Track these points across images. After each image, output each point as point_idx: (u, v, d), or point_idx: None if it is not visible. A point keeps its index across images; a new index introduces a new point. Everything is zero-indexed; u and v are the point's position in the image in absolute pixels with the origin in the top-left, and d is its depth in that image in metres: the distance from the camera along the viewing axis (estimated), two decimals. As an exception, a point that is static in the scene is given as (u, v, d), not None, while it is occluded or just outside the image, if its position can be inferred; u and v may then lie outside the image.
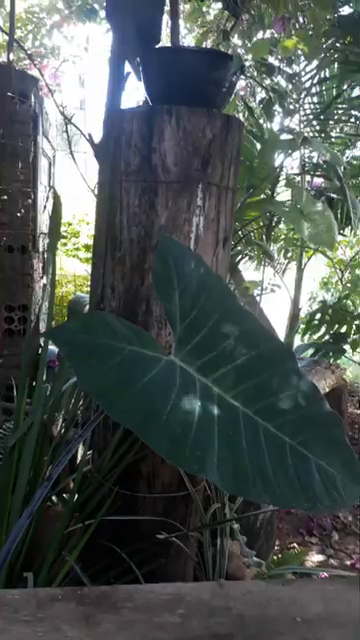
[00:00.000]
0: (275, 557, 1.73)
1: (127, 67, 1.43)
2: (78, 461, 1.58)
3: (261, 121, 3.08)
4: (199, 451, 0.68)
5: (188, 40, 3.62)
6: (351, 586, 0.83)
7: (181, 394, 0.70)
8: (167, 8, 1.48)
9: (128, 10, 1.26)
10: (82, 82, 5.92)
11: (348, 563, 2.18)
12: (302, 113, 3.53)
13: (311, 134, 3.61)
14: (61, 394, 1.38)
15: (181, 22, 3.49)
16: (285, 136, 1.94)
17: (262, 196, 1.87)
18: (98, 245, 1.55)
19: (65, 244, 6.10)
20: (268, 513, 2.00)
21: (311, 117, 3.44)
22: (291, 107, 3.44)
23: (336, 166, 2.30)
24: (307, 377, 0.86)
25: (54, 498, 1.51)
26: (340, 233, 3.66)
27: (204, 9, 3.19)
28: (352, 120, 3.54)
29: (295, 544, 2.31)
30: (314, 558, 2.22)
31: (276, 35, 2.67)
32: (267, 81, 3.26)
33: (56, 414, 1.48)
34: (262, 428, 0.77)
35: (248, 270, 4.41)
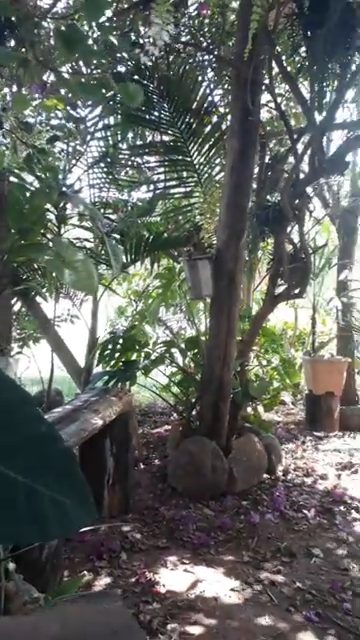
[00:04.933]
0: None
1: None
2: None
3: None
4: None
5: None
6: (90, 604, 0.94)
7: None
8: None
9: None
10: None
11: (133, 580, 2.32)
12: (89, 155, 3.75)
13: (99, 174, 3.85)
14: None
15: None
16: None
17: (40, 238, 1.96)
18: None
19: None
20: (53, 547, 2.04)
21: (97, 159, 3.67)
22: (78, 148, 3.63)
23: (97, 219, 2.51)
24: (46, 420, 0.96)
25: None
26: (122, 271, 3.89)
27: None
28: (135, 165, 3.87)
29: (85, 571, 2.37)
30: (102, 581, 2.31)
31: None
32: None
33: None
34: (-3, 472, 0.83)
35: (48, 302, 4.43)
